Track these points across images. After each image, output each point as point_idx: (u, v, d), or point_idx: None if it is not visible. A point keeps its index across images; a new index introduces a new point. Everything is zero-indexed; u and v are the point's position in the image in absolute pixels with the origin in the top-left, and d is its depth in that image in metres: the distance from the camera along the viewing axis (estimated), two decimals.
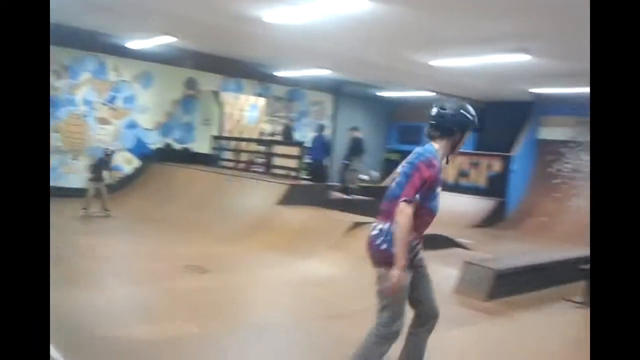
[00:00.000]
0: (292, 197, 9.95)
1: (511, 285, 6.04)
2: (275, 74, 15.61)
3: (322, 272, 7.05)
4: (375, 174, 19.50)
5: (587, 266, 5.96)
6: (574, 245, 10.16)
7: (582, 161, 15.27)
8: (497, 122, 17.13)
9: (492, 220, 15.40)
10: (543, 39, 8.93)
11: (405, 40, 10.08)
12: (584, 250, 7.64)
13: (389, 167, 19.44)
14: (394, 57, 11.77)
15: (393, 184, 3.28)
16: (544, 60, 10.36)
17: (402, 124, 20.49)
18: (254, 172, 12.94)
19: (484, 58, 10.40)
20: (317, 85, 17.21)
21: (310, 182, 12.10)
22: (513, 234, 14.42)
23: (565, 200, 15.24)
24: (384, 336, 3.19)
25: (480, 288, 5.88)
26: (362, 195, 13.18)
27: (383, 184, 17.55)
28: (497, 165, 16.41)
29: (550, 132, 16.31)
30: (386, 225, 3.17)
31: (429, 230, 3.25)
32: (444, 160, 3.31)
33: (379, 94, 18.39)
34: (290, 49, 12.03)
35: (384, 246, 3.14)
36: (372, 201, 12.88)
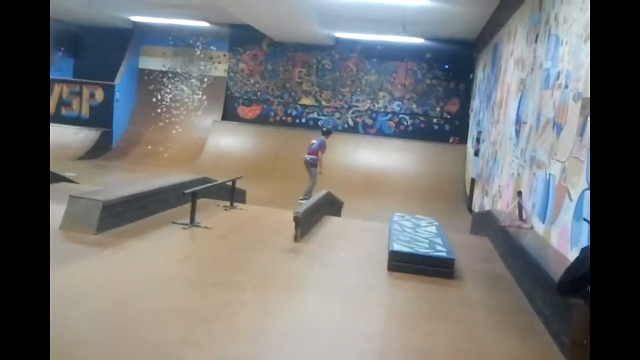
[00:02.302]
0: None
1: (120, 215, 6.05)
2: None
3: None
4: None
5: (189, 190, 6.47)
6: (179, 170, 10.89)
7: (179, 91, 16.20)
8: (96, 49, 16.42)
9: (98, 151, 15.08)
10: None
11: None
12: (189, 175, 8.29)
13: None
14: None
15: (313, 145, 11.36)
16: None
17: None
18: None
19: None
20: None
21: None
22: (120, 164, 14.46)
23: (169, 128, 16.00)
24: (313, 187, 11.03)
25: (88, 221, 5.70)
26: None
27: None
28: (99, 95, 15.88)
29: (151, 62, 16.63)
30: (311, 157, 11.24)
31: None
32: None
33: None
34: None
35: (312, 162, 11.24)
36: None
